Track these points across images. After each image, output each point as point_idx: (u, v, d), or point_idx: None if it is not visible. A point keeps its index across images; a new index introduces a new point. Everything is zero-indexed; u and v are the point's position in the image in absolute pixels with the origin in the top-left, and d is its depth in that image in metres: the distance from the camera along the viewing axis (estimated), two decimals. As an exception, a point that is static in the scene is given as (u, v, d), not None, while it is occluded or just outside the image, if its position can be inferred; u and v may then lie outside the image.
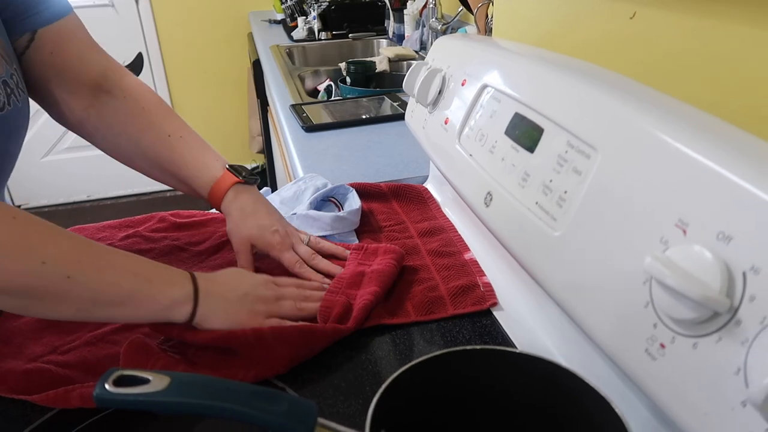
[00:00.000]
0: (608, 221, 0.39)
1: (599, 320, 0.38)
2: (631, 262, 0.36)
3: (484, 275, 0.67)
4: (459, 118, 0.64)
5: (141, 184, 3.34)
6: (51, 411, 0.50)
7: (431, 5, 1.66)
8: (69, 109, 0.72)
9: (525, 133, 0.51)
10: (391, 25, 1.91)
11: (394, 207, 0.85)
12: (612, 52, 0.64)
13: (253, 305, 0.58)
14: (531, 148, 0.50)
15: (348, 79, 1.57)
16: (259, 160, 3.00)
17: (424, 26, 1.75)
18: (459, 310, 0.62)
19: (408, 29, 1.84)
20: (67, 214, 3.10)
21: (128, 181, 3.32)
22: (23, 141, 0.67)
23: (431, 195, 0.85)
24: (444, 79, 0.71)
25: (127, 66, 3.03)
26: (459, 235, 0.75)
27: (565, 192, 0.44)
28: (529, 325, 0.57)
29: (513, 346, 0.56)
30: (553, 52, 0.60)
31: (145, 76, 3.09)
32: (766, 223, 0.30)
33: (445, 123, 0.68)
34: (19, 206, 3.20)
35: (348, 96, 1.48)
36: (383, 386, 0.36)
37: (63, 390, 0.51)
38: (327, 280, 0.67)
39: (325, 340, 0.56)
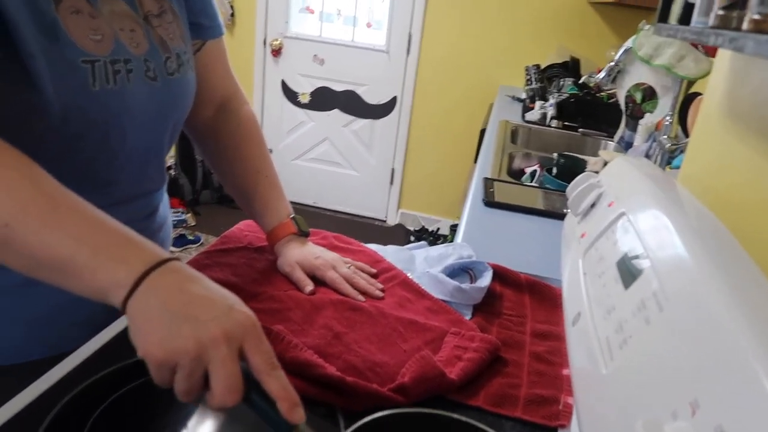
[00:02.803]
0: (644, 376, 0.39)
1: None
2: (640, 425, 0.36)
3: (571, 396, 0.65)
4: (592, 237, 0.65)
5: (360, 207, 3.70)
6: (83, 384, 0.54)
7: (667, 122, 1.60)
8: (193, 114, 0.84)
9: (629, 270, 0.51)
10: (620, 130, 1.88)
11: (524, 300, 0.86)
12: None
13: (167, 339, 0.45)
14: (627, 285, 0.50)
15: (554, 170, 1.59)
16: (462, 220, 3.11)
17: (655, 141, 1.68)
18: (526, 416, 0.62)
19: (638, 139, 1.79)
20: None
21: (349, 201, 3.70)
22: (185, 112, 0.79)
23: (564, 302, 0.85)
24: (600, 196, 0.72)
25: (381, 105, 3.42)
26: (570, 349, 0.74)
27: (630, 337, 0.44)
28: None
29: (556, 471, 0.54)
30: (703, 207, 0.58)
31: (392, 117, 3.45)
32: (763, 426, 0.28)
33: (582, 237, 0.68)
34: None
35: (546, 186, 1.50)
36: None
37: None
38: (361, 297, 0.78)
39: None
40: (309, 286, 0.78)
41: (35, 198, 0.50)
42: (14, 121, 0.58)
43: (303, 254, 0.82)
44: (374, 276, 0.84)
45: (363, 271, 0.84)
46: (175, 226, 2.91)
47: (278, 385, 0.45)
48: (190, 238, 3.09)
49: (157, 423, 0.54)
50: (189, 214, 3.32)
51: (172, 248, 2.84)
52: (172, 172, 3.47)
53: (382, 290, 0.81)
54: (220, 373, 0.44)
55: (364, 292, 0.79)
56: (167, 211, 0.89)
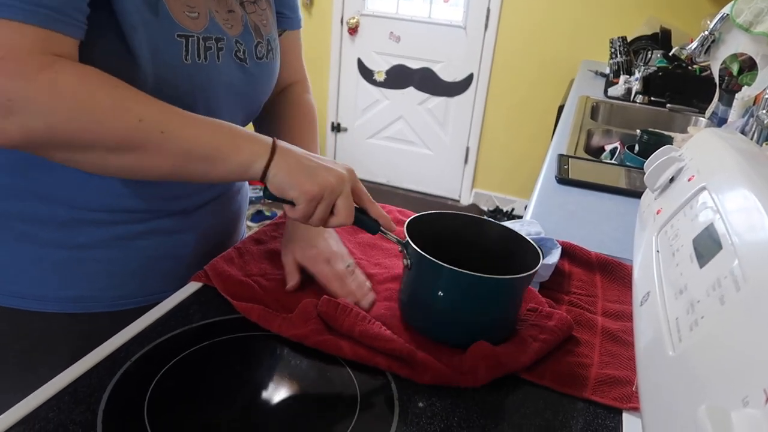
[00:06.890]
0: (714, 359, 0.36)
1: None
2: (703, 410, 0.33)
3: (643, 380, 0.62)
4: (669, 213, 0.61)
5: (434, 186, 3.68)
6: (145, 347, 0.60)
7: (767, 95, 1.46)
8: None
9: (706, 247, 0.47)
10: (713, 105, 1.74)
11: (594, 278, 0.82)
12: None
13: (316, 179, 0.61)
14: (703, 263, 0.46)
15: (636, 147, 1.50)
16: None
17: (752, 116, 1.55)
18: (595, 397, 0.59)
19: (734, 115, 1.65)
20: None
21: (422, 180, 3.69)
22: (265, 97, 0.82)
23: (639, 283, 0.80)
24: (680, 170, 0.67)
25: (457, 82, 3.36)
26: (643, 331, 0.70)
27: (702, 317, 0.41)
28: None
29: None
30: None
31: (468, 95, 3.39)
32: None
33: (657, 213, 0.64)
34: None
35: (627, 163, 1.42)
36: (413, 216, 0.69)
37: (249, 306, 0.66)
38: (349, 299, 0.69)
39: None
40: (290, 282, 0.72)
41: (170, 109, 0.60)
42: None
43: (301, 242, 0.75)
44: None
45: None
46: (253, 202, 3.01)
47: (378, 211, 0.67)
48: (267, 214, 3.19)
49: (218, 384, 0.56)
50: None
51: (249, 223, 2.94)
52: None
53: (373, 303, 0.71)
54: (346, 202, 0.63)
55: (348, 295, 0.70)
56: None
